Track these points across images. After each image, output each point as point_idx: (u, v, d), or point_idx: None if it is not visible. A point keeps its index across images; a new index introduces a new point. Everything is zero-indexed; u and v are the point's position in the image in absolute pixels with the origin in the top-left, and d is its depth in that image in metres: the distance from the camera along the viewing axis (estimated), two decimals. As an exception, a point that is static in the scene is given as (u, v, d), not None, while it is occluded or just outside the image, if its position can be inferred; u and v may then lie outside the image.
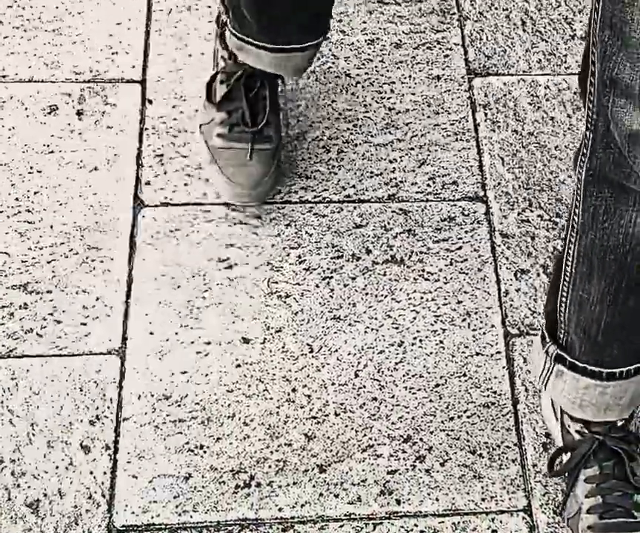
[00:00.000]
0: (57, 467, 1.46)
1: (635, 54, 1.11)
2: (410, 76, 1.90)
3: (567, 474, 1.44)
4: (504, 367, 1.58)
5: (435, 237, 1.71)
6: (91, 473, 1.45)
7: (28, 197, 1.72)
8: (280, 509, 1.44)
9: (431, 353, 1.59)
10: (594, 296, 1.31)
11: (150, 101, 1.85)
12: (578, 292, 1.32)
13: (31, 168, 1.75)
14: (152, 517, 1.42)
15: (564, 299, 1.35)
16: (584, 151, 1.23)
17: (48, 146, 1.78)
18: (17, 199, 1.71)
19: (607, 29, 1.13)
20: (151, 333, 1.59)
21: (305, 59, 1.67)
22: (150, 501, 1.43)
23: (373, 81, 1.89)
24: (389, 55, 1.92)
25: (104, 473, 1.45)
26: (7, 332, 1.57)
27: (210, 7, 1.97)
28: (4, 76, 1.86)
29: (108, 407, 1.51)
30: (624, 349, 1.34)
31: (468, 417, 1.53)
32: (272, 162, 1.68)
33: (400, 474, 1.47)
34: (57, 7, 1.95)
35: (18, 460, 1.46)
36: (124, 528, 1.41)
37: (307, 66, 1.69)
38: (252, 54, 1.65)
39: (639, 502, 1.41)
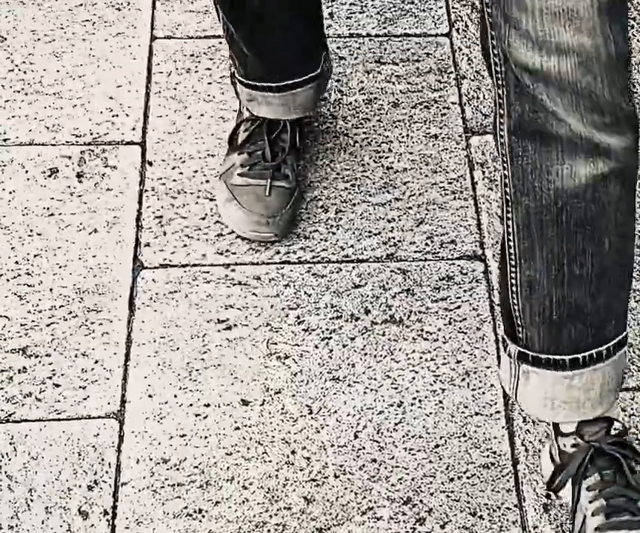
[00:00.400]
0: (55, 533, 1.46)
1: None
2: (407, 135, 1.92)
3: (570, 504, 1.43)
4: (503, 427, 1.57)
5: (434, 296, 1.71)
6: (89, 539, 1.45)
7: (28, 260, 1.72)
8: (279, 574, 1.43)
9: (430, 413, 1.58)
10: (540, 271, 1.30)
11: (150, 163, 1.86)
12: (525, 272, 1.32)
13: (31, 231, 1.76)
14: (151, 583, 1.41)
15: (514, 288, 1.34)
16: (501, 112, 1.25)
17: (48, 208, 1.79)
18: (17, 262, 1.72)
19: None
20: (150, 396, 1.59)
21: (309, 96, 1.75)
22: (149, 567, 1.43)
23: (371, 141, 1.91)
24: (386, 114, 1.93)
25: (103, 538, 1.45)
26: (5, 396, 1.57)
27: (209, 69, 1.99)
28: (5, 139, 1.87)
29: (107, 472, 1.51)
30: (582, 330, 1.34)
31: (468, 478, 1.52)
32: (290, 200, 1.74)
33: (400, 537, 1.47)
34: (58, 71, 1.97)
35: (17, 526, 1.46)
36: (123, 595, 1.40)
37: (312, 104, 1.77)
38: (262, 102, 1.73)
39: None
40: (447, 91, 1.98)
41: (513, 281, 1.34)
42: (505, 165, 1.28)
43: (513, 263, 1.33)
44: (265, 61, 1.70)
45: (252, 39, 1.67)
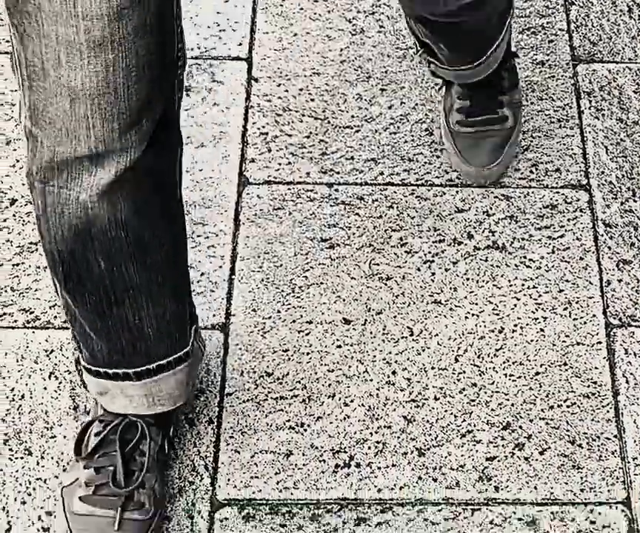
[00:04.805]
0: (162, 438, 1.49)
1: None
2: (514, 61, 1.90)
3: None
4: (604, 358, 1.57)
5: (538, 224, 1.71)
6: (195, 446, 1.48)
7: (136, 171, 1.75)
8: (379, 490, 1.45)
9: (532, 341, 1.59)
10: None
11: (256, 79, 1.87)
12: None
13: (139, 142, 1.78)
14: (254, 492, 1.44)
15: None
16: None
17: (156, 121, 1.81)
18: (125, 173, 1.75)
19: None
20: (254, 310, 1.61)
21: (179, 382, 1.39)
22: (252, 476, 1.46)
23: (477, 65, 1.89)
24: (494, 38, 1.91)
25: (208, 447, 1.48)
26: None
27: (316, -14, 1.98)
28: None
29: (212, 382, 1.54)
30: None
31: (568, 406, 1.53)
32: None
33: (499, 460, 1.48)
34: (166, -16, 1.98)
35: (125, 429, 1.50)
36: (226, 502, 1.44)
37: (183, 393, 1.41)
38: (118, 394, 1.38)
39: (503, 102, 1.70)
40: (554, 17, 1.96)
41: None
42: None
43: None
44: (116, 344, 1.34)
45: (97, 318, 1.32)
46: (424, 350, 1.58)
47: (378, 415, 1.52)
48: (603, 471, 1.47)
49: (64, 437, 1.48)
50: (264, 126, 1.81)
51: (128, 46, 1.13)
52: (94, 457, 1.38)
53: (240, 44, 1.91)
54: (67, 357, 1.55)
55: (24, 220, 1.69)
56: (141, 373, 1.36)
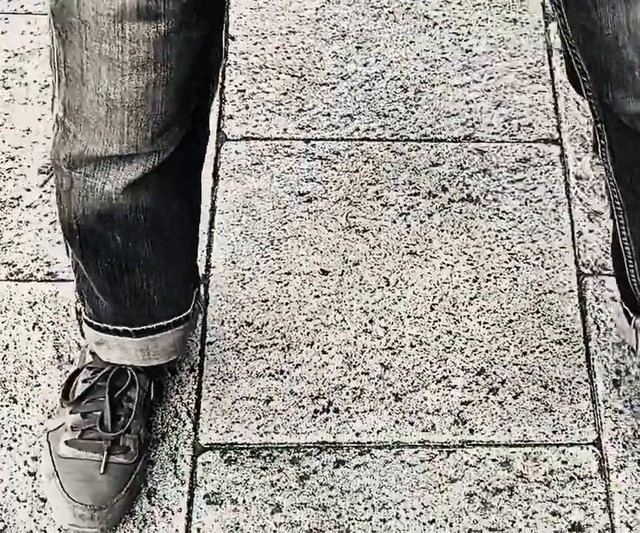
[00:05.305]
0: (145, 386, 1.52)
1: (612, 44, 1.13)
2: (487, 19, 1.93)
3: None
4: (576, 305, 1.61)
5: (511, 177, 1.74)
6: (177, 393, 1.52)
7: (115, 128, 1.77)
8: (357, 434, 1.49)
9: (505, 290, 1.63)
10: None
11: (233, 38, 1.89)
12: None
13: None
14: (235, 437, 1.48)
15: (633, 277, 1.39)
16: (602, 142, 1.26)
17: (134, 78, 1.83)
18: (105, 129, 1.77)
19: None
20: (233, 262, 1.64)
21: (176, 340, 1.43)
22: (233, 421, 1.49)
23: (451, 23, 1.92)
24: (467, -3, 1.95)
25: (190, 394, 1.51)
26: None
27: (291, -55, 2.01)
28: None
29: (193, 331, 1.57)
30: None
31: (541, 352, 1.57)
32: (128, 480, 1.39)
33: (473, 405, 1.52)
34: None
35: (108, 378, 1.53)
36: (209, 446, 1.47)
37: (179, 349, 1.45)
38: (115, 347, 1.41)
39: None
40: (526, -24, 1.99)
41: (633, 273, 1.37)
42: (612, 182, 1.29)
43: (630, 257, 1.36)
44: (122, 307, 1.38)
45: (107, 283, 1.36)
46: (400, 299, 1.62)
47: (356, 362, 1.56)
48: (574, 414, 1.51)
49: (49, 385, 1.51)
50: (241, 84, 1.84)
51: (171, 65, 1.15)
52: (81, 403, 1.41)
53: (217, 3, 1.93)
54: (50, 309, 1.58)
55: (4, 177, 1.71)
56: (141, 331, 1.39)
